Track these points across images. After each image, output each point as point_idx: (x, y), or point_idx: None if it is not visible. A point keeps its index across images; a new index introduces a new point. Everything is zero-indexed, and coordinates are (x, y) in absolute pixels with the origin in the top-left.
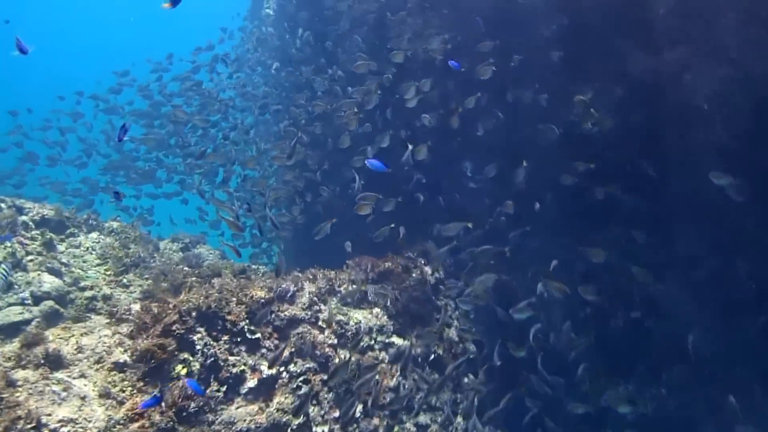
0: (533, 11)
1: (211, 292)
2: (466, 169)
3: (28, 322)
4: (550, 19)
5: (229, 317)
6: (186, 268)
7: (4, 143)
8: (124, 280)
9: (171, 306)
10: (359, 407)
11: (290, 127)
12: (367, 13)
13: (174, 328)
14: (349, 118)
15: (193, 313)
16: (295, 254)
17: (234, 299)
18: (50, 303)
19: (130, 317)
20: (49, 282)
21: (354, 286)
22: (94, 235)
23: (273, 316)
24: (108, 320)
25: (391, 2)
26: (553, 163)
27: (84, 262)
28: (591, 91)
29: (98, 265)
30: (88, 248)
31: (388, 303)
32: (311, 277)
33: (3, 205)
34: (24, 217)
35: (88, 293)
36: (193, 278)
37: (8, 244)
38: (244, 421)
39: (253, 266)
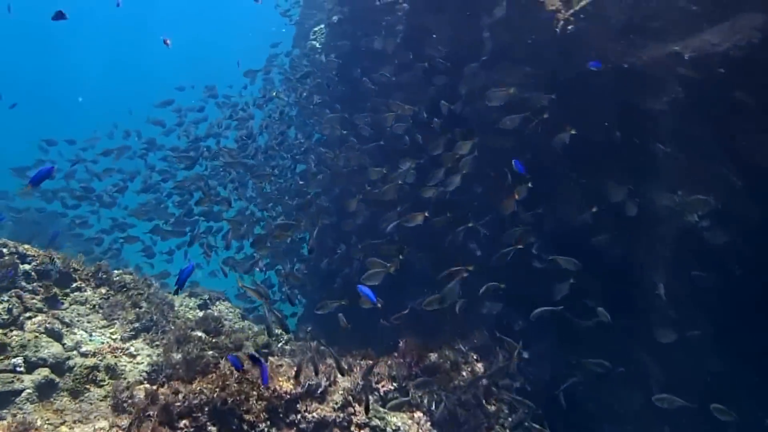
0: (645, 78)
1: (229, 383)
2: (532, 247)
3: (18, 392)
4: (664, 90)
5: (247, 417)
6: (203, 335)
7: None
8: (132, 348)
9: (181, 398)
10: None
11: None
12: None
13: (182, 425)
14: (388, 189)
15: (206, 408)
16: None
17: (255, 393)
18: (45, 372)
19: (132, 408)
20: (47, 346)
21: (395, 384)
22: (102, 290)
23: (299, 416)
24: (107, 401)
25: (459, 52)
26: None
27: (89, 322)
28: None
29: (104, 327)
30: (94, 306)
31: (433, 407)
32: (346, 368)
33: (5, 250)
34: (26, 266)
35: (89, 361)
36: (211, 353)
37: (6, 298)
38: None
39: (276, 331)
